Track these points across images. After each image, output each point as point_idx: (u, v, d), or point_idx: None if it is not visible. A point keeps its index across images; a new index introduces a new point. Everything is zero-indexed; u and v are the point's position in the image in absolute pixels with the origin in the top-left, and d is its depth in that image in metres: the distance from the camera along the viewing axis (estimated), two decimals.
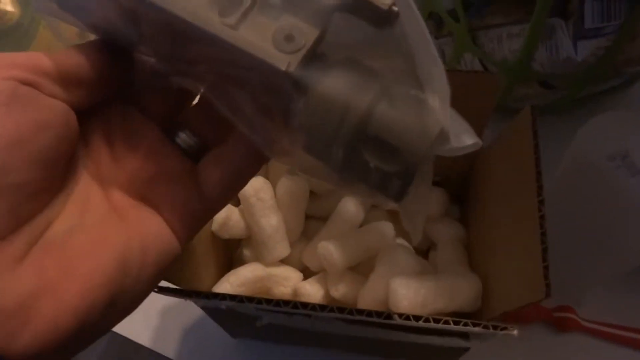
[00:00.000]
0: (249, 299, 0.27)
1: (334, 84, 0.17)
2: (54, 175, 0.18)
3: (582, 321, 0.42)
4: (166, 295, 0.28)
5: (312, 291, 0.38)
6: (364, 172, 0.18)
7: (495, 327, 0.26)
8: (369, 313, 0.26)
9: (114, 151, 0.20)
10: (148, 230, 0.19)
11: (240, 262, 0.41)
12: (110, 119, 0.21)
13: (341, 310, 0.26)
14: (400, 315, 0.26)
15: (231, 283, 0.37)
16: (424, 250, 0.43)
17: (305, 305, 0.26)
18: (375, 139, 0.17)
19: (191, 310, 0.46)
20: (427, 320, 0.26)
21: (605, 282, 0.43)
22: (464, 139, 0.17)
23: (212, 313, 0.36)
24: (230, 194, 0.22)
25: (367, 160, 0.18)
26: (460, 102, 0.38)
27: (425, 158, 0.17)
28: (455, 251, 0.39)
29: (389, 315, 0.26)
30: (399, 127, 0.17)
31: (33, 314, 0.16)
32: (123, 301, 0.18)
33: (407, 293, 0.31)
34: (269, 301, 0.27)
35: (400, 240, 0.39)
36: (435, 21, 0.49)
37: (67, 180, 0.19)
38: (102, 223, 0.19)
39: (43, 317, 0.16)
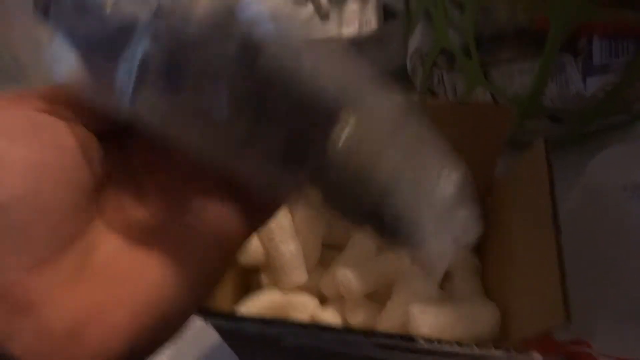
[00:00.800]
0: (272, 321, 0.28)
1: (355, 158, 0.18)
2: (85, 198, 0.18)
3: (597, 355, 0.42)
4: None
5: (330, 318, 0.38)
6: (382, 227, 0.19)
7: (517, 351, 0.26)
8: (393, 336, 0.27)
9: (140, 175, 0.20)
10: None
11: (258, 287, 0.42)
12: (133, 138, 0.20)
13: (367, 333, 0.27)
14: (425, 338, 0.26)
15: (248, 308, 0.38)
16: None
17: (330, 328, 0.27)
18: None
19: (205, 341, 0.46)
20: (450, 343, 0.26)
21: (620, 314, 0.43)
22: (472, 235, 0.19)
23: (231, 338, 0.36)
24: (258, 225, 0.22)
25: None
26: (473, 134, 0.39)
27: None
28: (471, 281, 0.39)
29: (412, 338, 0.26)
30: (422, 165, 0.18)
31: (83, 340, 0.16)
32: (172, 320, 0.18)
33: (427, 319, 0.32)
34: (294, 323, 0.27)
35: (416, 268, 0.40)
36: (447, 57, 0.51)
37: (102, 202, 0.19)
38: (145, 244, 0.19)
39: (93, 342, 0.16)
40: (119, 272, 0.18)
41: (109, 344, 0.16)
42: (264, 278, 0.42)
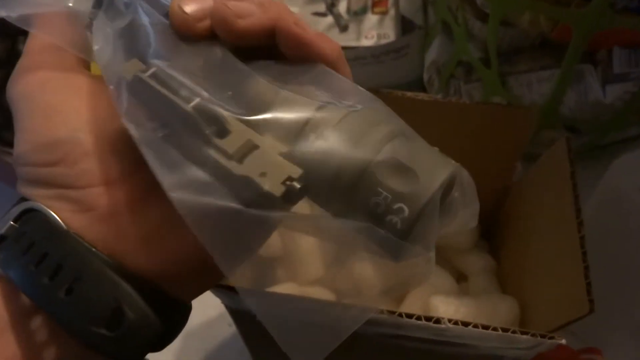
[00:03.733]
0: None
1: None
2: None
3: None
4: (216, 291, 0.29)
5: None
6: (368, 205, 0.17)
7: (543, 336, 0.26)
8: (419, 317, 0.27)
9: None
10: None
11: (274, 281, 0.42)
12: None
13: (392, 313, 0.27)
14: (450, 320, 0.27)
15: None
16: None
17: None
18: (390, 163, 0.17)
19: (214, 335, 0.46)
20: (475, 326, 0.26)
21: (635, 324, 0.43)
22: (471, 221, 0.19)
23: (244, 326, 0.36)
24: None
25: (375, 187, 0.17)
26: (494, 135, 0.40)
27: (438, 192, 0.17)
28: (488, 281, 0.39)
29: (438, 320, 0.27)
30: (416, 152, 0.17)
31: (160, 244, 0.18)
32: None
33: (448, 310, 0.32)
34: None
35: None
36: (465, 68, 0.52)
37: None
38: None
39: (168, 247, 0.18)
40: None
41: (183, 250, 0.18)
42: (280, 273, 0.42)
